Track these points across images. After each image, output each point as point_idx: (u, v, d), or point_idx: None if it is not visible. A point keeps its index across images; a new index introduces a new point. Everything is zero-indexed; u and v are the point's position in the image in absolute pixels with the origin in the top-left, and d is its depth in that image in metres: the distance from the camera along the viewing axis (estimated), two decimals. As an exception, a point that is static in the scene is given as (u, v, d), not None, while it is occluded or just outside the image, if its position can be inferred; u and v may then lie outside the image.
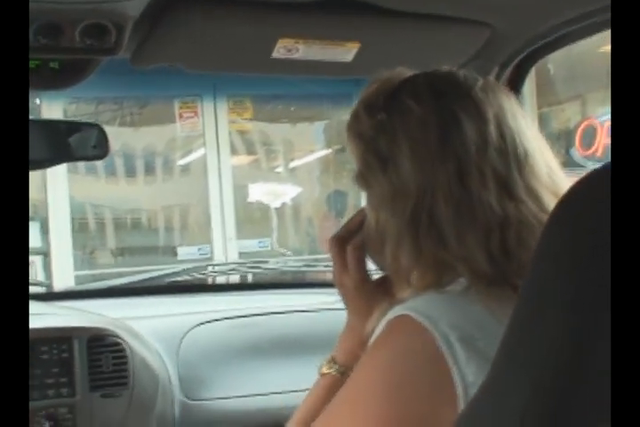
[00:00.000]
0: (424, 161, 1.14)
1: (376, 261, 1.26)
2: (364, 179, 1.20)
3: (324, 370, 1.31)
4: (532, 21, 1.74)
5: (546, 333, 0.79)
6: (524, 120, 1.20)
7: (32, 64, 1.58)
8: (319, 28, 1.66)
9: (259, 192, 8.25)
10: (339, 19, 1.65)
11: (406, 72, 1.25)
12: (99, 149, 2.03)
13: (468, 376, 1.02)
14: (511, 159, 1.15)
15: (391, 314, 1.11)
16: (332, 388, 1.19)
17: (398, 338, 1.09)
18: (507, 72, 1.90)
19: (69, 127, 2.09)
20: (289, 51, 1.66)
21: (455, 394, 1.02)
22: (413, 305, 1.09)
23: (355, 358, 1.17)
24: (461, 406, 1.02)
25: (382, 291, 1.23)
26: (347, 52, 1.71)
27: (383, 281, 1.26)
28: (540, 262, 0.82)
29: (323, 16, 1.63)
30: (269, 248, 7.94)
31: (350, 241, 1.26)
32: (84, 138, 2.03)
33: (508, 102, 1.20)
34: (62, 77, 1.61)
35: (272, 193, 8.27)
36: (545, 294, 0.80)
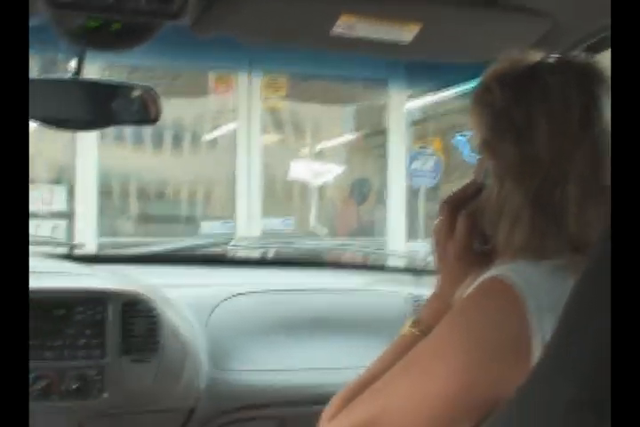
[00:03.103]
0: (562, 138, 1.15)
1: (483, 234, 1.24)
2: (490, 147, 1.20)
3: (406, 330, 1.28)
4: (594, 14, 1.73)
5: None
6: None
7: (94, 24, 1.58)
8: (382, 7, 1.65)
9: (286, 171, 8.23)
10: (402, -1, 1.65)
11: (537, 55, 1.25)
12: (145, 113, 1.97)
13: None
14: None
15: (487, 275, 1.12)
16: (411, 347, 1.17)
17: (489, 297, 1.10)
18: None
19: (116, 88, 2.03)
20: (349, 28, 1.65)
21: (531, 361, 1.03)
22: (512, 267, 1.11)
23: (440, 320, 1.16)
24: None
25: (483, 262, 1.22)
26: (406, 34, 1.70)
27: (485, 254, 1.24)
28: None
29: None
30: (293, 227, 7.93)
31: (463, 208, 1.25)
32: (131, 100, 1.97)
33: None
34: (122, 40, 1.62)
35: (302, 172, 8.23)
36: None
